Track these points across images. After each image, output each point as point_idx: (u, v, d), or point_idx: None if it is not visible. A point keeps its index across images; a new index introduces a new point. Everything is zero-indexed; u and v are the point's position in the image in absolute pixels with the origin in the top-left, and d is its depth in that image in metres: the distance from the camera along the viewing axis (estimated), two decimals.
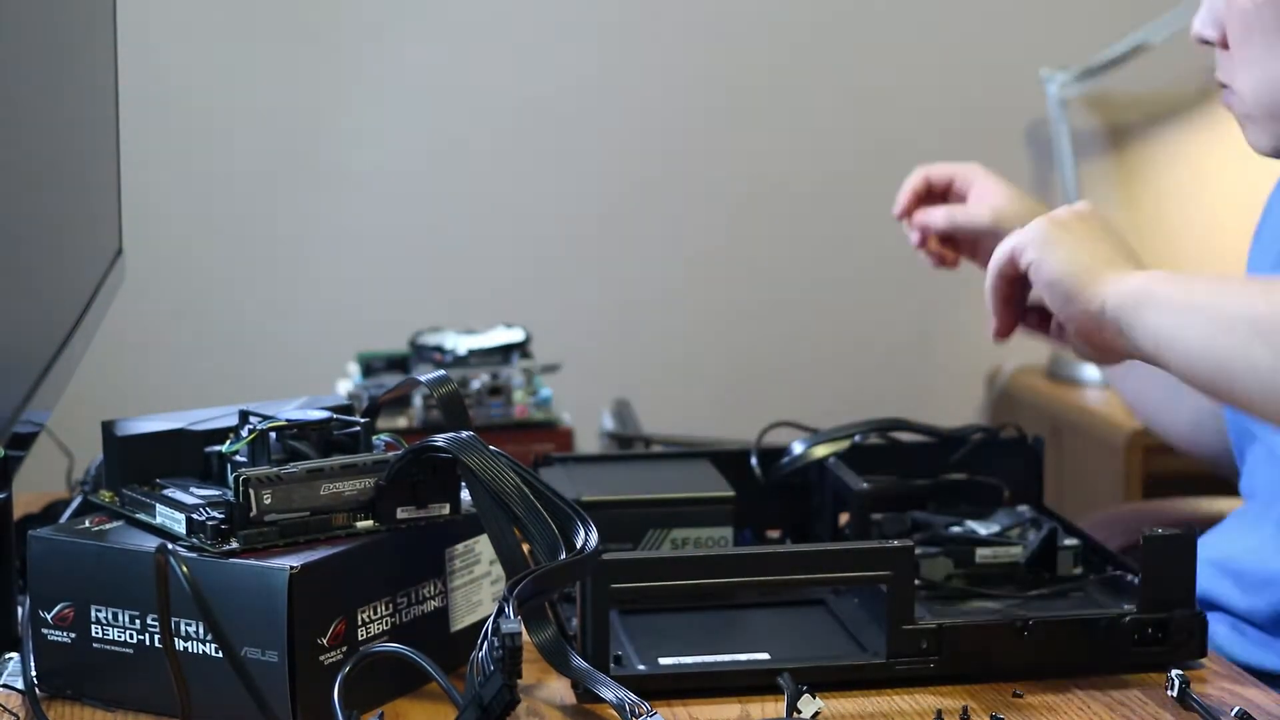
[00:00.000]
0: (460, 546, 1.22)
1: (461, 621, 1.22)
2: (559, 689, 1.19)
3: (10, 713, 1.15)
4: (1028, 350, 3.04)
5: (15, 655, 1.22)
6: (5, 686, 1.19)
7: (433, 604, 1.20)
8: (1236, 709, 1.12)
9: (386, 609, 1.16)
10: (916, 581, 1.21)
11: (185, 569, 0.98)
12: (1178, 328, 1.20)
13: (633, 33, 2.92)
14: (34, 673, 1.17)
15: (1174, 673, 1.15)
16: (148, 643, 1.12)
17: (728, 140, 2.95)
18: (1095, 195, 2.95)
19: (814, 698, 1.14)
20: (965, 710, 1.14)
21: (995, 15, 2.99)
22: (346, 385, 1.71)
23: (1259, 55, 1.37)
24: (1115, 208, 3.01)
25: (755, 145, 2.96)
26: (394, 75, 2.87)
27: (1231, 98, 1.42)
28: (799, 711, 1.12)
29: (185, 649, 1.10)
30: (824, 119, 2.96)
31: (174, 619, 1.07)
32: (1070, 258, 1.26)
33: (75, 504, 1.35)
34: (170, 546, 1.00)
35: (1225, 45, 1.40)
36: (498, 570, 1.25)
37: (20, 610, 1.24)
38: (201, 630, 1.10)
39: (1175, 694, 1.15)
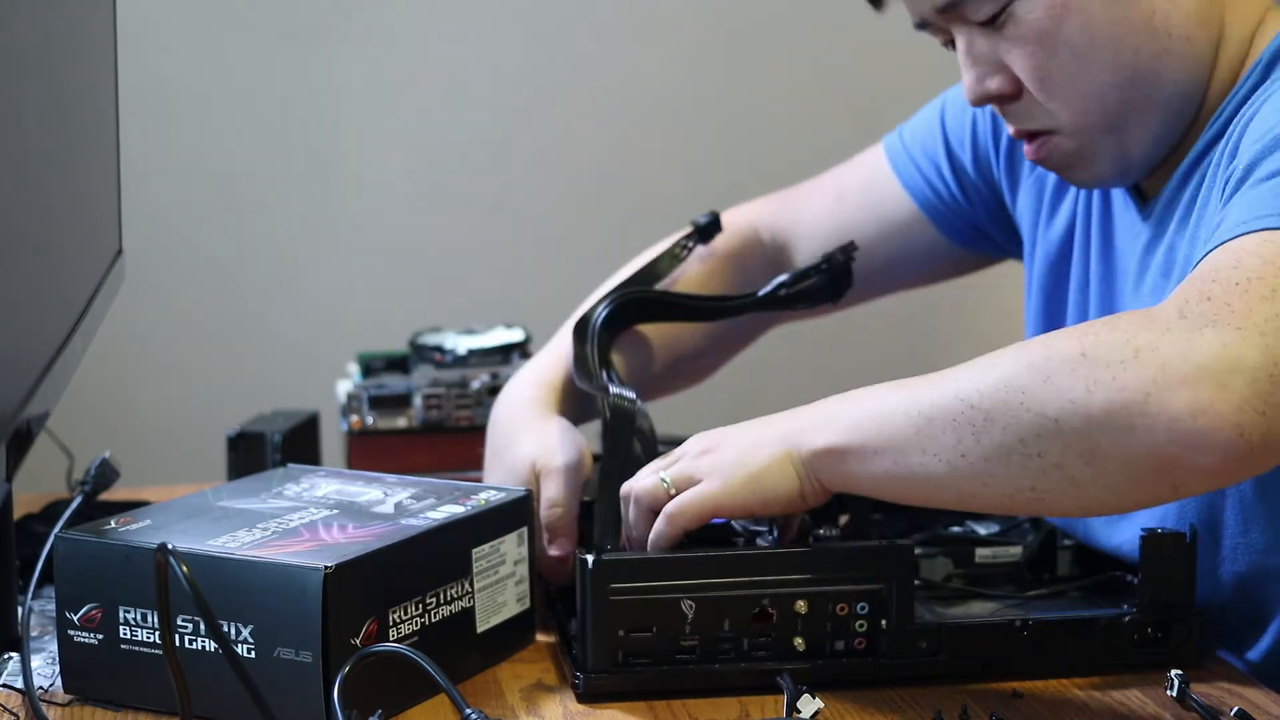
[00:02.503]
0: (486, 547, 1.22)
1: (487, 622, 1.22)
2: (559, 690, 1.20)
3: (10, 712, 1.15)
4: None
5: (15, 655, 1.22)
6: (5, 686, 1.19)
7: (460, 605, 1.20)
8: (1235, 709, 1.12)
9: (416, 609, 1.16)
10: (916, 581, 1.21)
11: (185, 568, 0.98)
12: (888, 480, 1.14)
13: (633, 33, 2.92)
14: (59, 675, 1.17)
15: (1173, 673, 1.16)
16: (178, 643, 1.12)
17: (728, 140, 2.96)
18: None
19: (814, 697, 1.14)
20: (964, 710, 1.14)
21: None
22: (346, 385, 1.71)
23: (1075, 71, 1.26)
24: None
25: (756, 145, 2.96)
26: (394, 76, 2.87)
27: (1051, 143, 1.30)
28: (799, 711, 1.12)
29: (215, 650, 1.10)
30: (823, 118, 2.96)
31: (209, 619, 1.07)
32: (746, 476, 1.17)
33: (75, 503, 1.35)
34: (170, 545, 1.00)
35: (1018, 94, 1.29)
36: (521, 571, 1.26)
37: (20, 610, 1.24)
38: (235, 631, 1.10)
39: (1175, 694, 1.15)
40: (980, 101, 1.31)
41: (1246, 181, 1.16)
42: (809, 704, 1.13)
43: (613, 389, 1.25)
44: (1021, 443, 1.07)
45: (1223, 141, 1.26)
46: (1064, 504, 1.09)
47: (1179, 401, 1.02)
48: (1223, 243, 1.11)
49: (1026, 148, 1.33)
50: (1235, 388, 1.01)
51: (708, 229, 1.47)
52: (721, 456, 1.18)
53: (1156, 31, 1.26)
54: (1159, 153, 1.31)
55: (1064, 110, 1.28)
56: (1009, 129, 1.33)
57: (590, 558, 1.15)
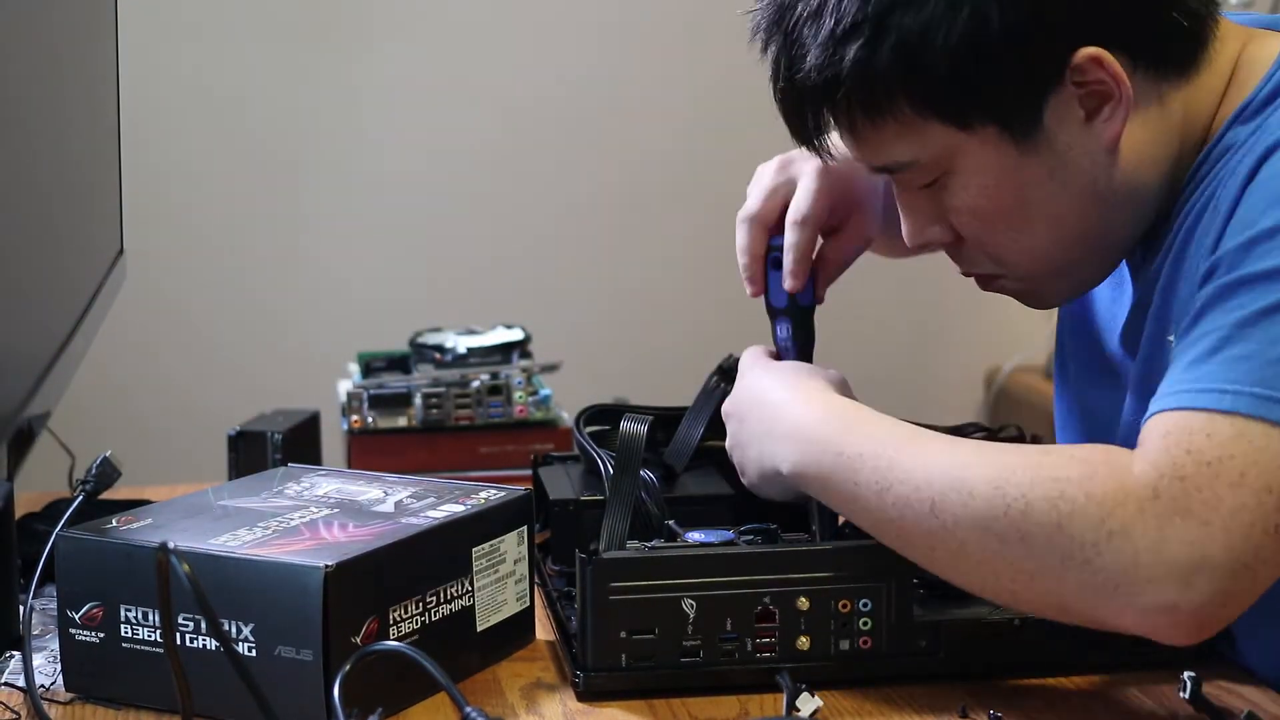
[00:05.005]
0: (486, 545, 1.22)
1: (487, 621, 1.23)
2: (559, 688, 1.20)
3: (12, 711, 1.16)
4: (1026, 349, 3.04)
5: (17, 654, 1.22)
6: (7, 685, 1.19)
7: (460, 603, 1.20)
8: (1245, 711, 1.12)
9: (416, 608, 1.16)
10: (915, 580, 1.21)
11: (186, 567, 0.99)
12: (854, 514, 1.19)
13: (633, 34, 2.92)
14: (61, 673, 1.18)
15: (1186, 674, 1.15)
16: (179, 642, 1.12)
17: (727, 140, 2.96)
18: None
19: (813, 695, 1.14)
20: (964, 709, 1.14)
21: None
22: (347, 385, 1.72)
23: (1017, 238, 1.23)
24: None
25: (755, 145, 2.95)
26: (394, 76, 2.88)
27: (999, 283, 1.29)
28: (798, 709, 1.12)
29: (215, 649, 1.10)
30: None
31: (211, 619, 1.07)
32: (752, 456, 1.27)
33: (77, 502, 1.35)
34: (171, 545, 1.00)
35: (959, 242, 1.27)
36: (521, 570, 1.26)
37: (22, 609, 1.24)
38: (235, 630, 1.10)
39: (1187, 695, 1.14)
40: (920, 244, 1.29)
41: (1227, 289, 1.12)
42: (808, 702, 1.13)
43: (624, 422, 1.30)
44: (997, 578, 1.11)
45: (1197, 197, 1.22)
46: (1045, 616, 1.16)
47: (1146, 597, 1.07)
48: (1199, 408, 1.09)
49: (978, 281, 1.31)
50: (1200, 588, 1.06)
51: (730, 370, 1.48)
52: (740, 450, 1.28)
53: (1100, 196, 1.21)
54: (1114, 268, 1.29)
55: (1017, 258, 1.26)
56: (959, 268, 1.31)
57: (590, 557, 1.16)
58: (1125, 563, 1.07)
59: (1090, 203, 1.22)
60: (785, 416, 1.24)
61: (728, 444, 1.32)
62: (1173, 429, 1.09)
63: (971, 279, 1.31)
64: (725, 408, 1.33)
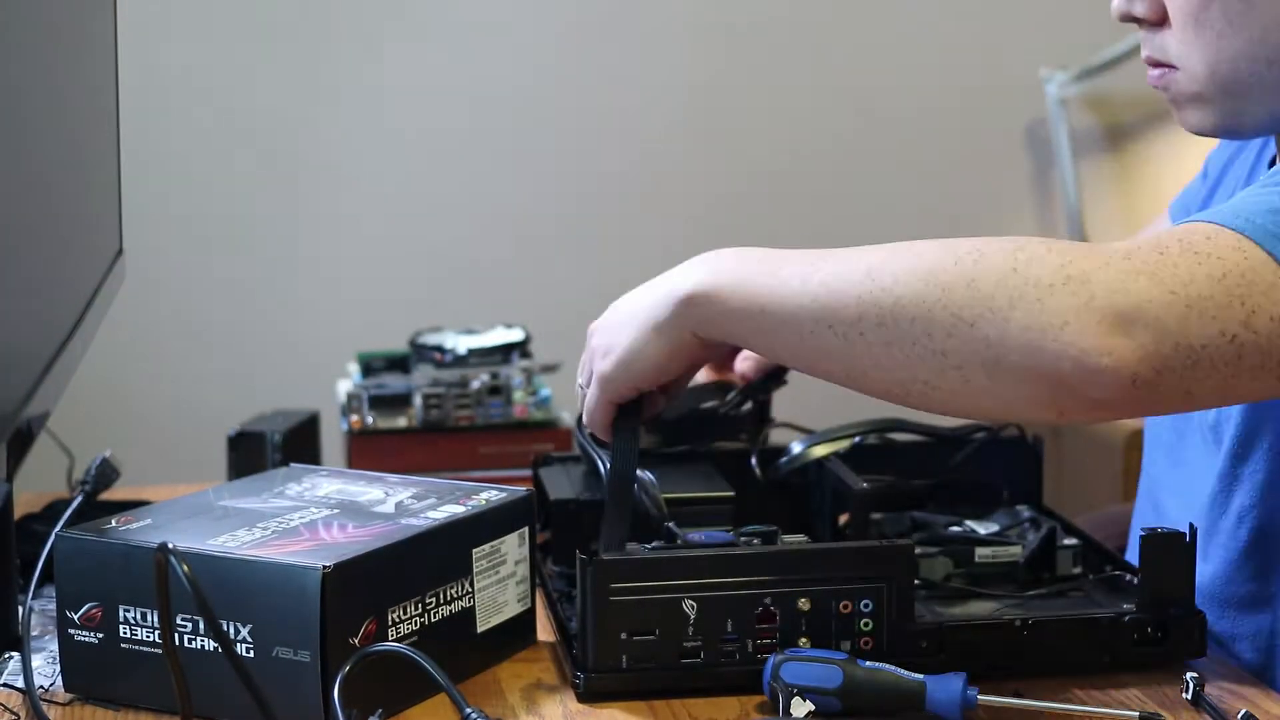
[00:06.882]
0: (487, 546, 1.22)
1: (487, 622, 1.23)
2: (560, 689, 1.20)
3: (11, 712, 1.16)
4: None
5: (16, 654, 1.22)
6: (6, 686, 1.19)
7: (460, 604, 1.20)
8: (1243, 711, 1.12)
9: (416, 609, 1.16)
10: (916, 581, 1.21)
11: (185, 567, 0.98)
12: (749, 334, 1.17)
13: (633, 33, 2.92)
14: (60, 674, 1.18)
15: (1188, 675, 1.15)
16: (178, 642, 1.12)
17: (728, 139, 2.96)
18: (1094, 194, 2.95)
19: (805, 699, 1.13)
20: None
21: (995, 15, 2.99)
22: (346, 385, 1.71)
23: (1221, 30, 1.24)
24: (1114, 207, 3.01)
25: (755, 144, 2.96)
26: (394, 75, 2.88)
27: (1172, 77, 1.29)
28: (797, 710, 1.12)
29: (214, 649, 1.10)
30: (823, 118, 2.97)
31: (210, 619, 1.07)
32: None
33: (76, 503, 1.35)
34: (170, 545, 1.00)
35: (1161, 22, 1.28)
36: (522, 571, 1.26)
37: (21, 609, 1.24)
38: (234, 630, 1.10)
39: (1189, 696, 1.15)
40: (1123, 16, 1.30)
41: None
42: (800, 706, 1.13)
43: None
44: (929, 337, 1.08)
45: None
46: (950, 404, 1.11)
47: (1093, 336, 1.04)
48: (1215, 223, 1.11)
49: (1151, 72, 1.31)
50: (1142, 341, 1.05)
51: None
52: (599, 350, 1.26)
53: None
54: (1273, 129, 1.30)
55: (1196, 58, 1.26)
56: (1143, 51, 1.32)
57: (590, 558, 1.16)
58: (1080, 302, 1.05)
59: None
60: (655, 282, 1.25)
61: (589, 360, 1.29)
62: (1178, 228, 1.09)
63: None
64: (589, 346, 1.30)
